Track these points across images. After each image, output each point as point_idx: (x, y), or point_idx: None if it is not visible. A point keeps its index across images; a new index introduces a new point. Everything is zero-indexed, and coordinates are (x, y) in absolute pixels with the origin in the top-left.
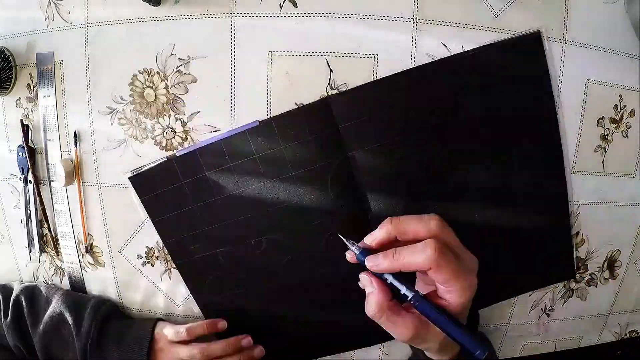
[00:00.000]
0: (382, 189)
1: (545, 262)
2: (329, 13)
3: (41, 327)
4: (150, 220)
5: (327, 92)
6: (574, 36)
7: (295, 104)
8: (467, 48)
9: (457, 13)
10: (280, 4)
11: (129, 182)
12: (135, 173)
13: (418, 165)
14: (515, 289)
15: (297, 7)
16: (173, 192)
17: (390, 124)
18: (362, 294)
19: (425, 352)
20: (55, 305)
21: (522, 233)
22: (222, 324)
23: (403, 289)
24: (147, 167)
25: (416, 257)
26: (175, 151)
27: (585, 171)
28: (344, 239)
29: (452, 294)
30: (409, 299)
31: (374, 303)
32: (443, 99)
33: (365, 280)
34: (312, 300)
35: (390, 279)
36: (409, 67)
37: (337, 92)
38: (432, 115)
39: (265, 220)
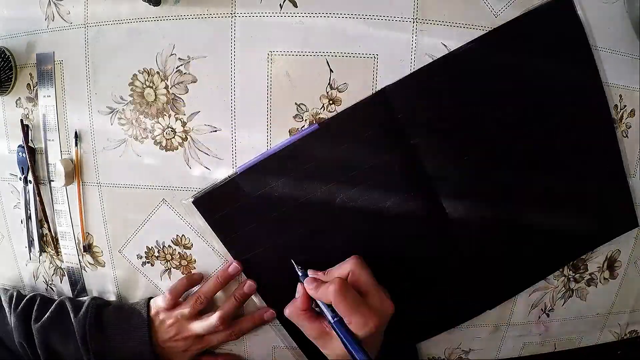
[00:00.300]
0: (449, 171)
1: (606, 217)
2: (329, 13)
3: (44, 318)
4: (148, 222)
5: (327, 92)
6: None
7: (295, 103)
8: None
9: (457, 13)
10: (280, 4)
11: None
12: (198, 196)
13: (480, 142)
14: (580, 249)
15: (297, 7)
16: (240, 209)
17: (446, 106)
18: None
19: None
20: (58, 300)
21: (580, 192)
22: (198, 275)
23: (325, 311)
24: (209, 189)
25: (325, 292)
26: (236, 169)
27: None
28: (294, 265)
29: (351, 325)
30: (328, 319)
31: (290, 305)
32: (491, 74)
33: (299, 288)
34: None
35: (318, 301)
36: (450, 51)
37: (392, 83)
38: (484, 92)
39: (338, 220)
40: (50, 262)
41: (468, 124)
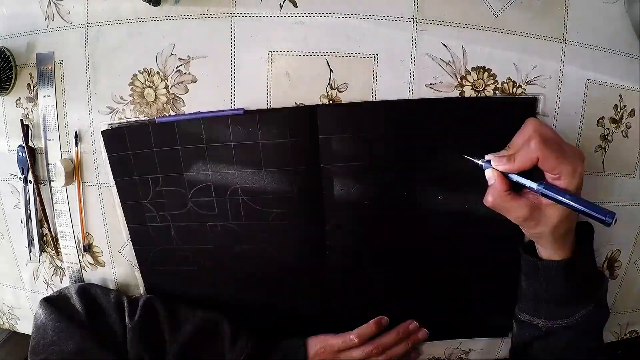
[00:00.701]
0: (345, 206)
1: (485, 314)
2: (329, 13)
3: (184, 336)
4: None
5: (327, 92)
6: (574, 36)
7: (295, 103)
8: (467, 48)
9: (457, 13)
10: (280, 4)
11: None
12: (109, 127)
13: (386, 193)
14: (452, 332)
15: (297, 7)
16: (143, 156)
17: (372, 148)
18: (310, 283)
19: (539, 245)
20: (202, 316)
21: (472, 280)
22: (385, 320)
23: (527, 182)
24: (124, 124)
25: (525, 154)
26: (155, 117)
27: (585, 171)
28: (469, 158)
29: (561, 179)
30: (534, 189)
31: (491, 192)
32: (429, 136)
33: (489, 174)
34: (255, 288)
35: (514, 177)
36: (406, 98)
37: (328, 103)
38: (415, 149)
39: (225, 207)
40: (50, 262)
41: (382, 174)
